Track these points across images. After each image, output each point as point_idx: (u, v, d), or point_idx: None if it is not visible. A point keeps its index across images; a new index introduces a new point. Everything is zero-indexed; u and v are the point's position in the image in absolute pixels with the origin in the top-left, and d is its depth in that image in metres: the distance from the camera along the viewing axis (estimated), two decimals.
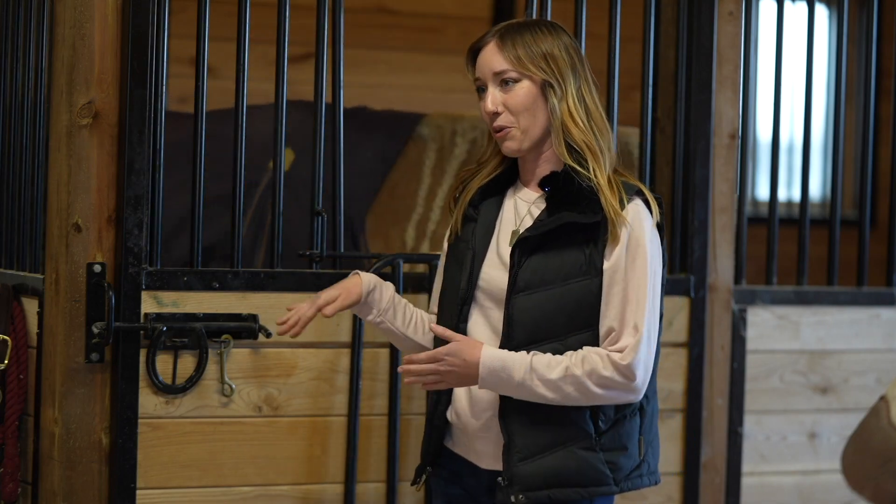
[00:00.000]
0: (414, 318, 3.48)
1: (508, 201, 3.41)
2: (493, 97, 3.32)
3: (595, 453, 3.29)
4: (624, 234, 3.25)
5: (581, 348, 3.25)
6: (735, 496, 4.41)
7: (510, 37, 3.31)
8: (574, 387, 3.22)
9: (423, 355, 3.26)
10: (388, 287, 3.46)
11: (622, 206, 3.26)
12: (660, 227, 3.34)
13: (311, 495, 3.93)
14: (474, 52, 3.36)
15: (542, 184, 3.36)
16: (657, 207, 3.32)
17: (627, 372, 3.22)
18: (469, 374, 3.25)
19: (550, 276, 3.28)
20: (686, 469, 4.30)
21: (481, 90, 3.36)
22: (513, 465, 3.28)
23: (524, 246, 3.30)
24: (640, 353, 3.23)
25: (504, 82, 3.32)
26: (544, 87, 3.31)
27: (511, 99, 3.31)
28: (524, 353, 3.25)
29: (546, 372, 3.23)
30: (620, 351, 3.23)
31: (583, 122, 3.30)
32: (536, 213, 3.34)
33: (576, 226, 3.27)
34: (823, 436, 4.55)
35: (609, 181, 3.28)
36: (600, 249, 3.26)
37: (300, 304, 3.40)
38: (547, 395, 3.23)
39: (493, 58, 3.32)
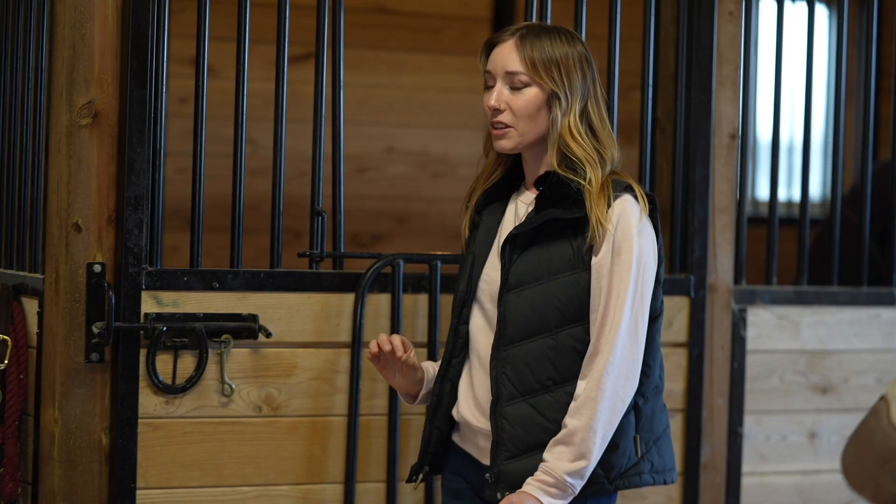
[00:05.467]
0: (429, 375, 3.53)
1: (511, 204, 3.44)
2: (500, 94, 3.34)
3: None
4: (609, 232, 3.26)
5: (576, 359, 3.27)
6: (735, 496, 4.41)
7: (530, 39, 3.33)
8: (601, 414, 3.23)
9: None
10: (428, 365, 3.52)
11: (609, 205, 3.27)
12: (654, 221, 3.34)
13: (311, 495, 3.93)
14: (490, 46, 3.38)
15: (536, 184, 3.38)
16: (646, 202, 3.32)
17: (608, 368, 3.22)
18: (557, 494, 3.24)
19: (540, 271, 3.30)
20: (686, 469, 4.30)
21: (489, 84, 3.37)
22: (500, 462, 3.29)
23: (514, 243, 3.33)
24: (618, 346, 3.22)
25: (513, 83, 3.33)
26: (551, 97, 3.32)
27: (516, 101, 3.33)
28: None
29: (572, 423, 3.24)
30: (600, 350, 3.24)
31: (582, 137, 3.32)
32: None
33: (563, 221, 3.29)
34: (823, 436, 4.54)
35: (602, 184, 3.29)
36: (588, 244, 3.27)
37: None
38: (595, 438, 3.23)
39: (508, 56, 3.34)
